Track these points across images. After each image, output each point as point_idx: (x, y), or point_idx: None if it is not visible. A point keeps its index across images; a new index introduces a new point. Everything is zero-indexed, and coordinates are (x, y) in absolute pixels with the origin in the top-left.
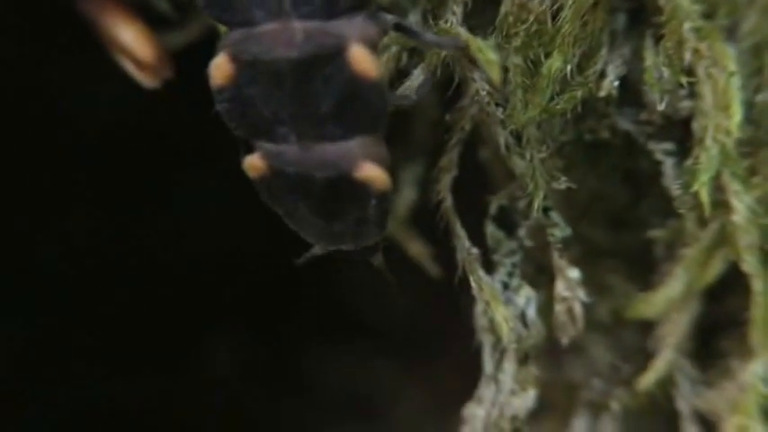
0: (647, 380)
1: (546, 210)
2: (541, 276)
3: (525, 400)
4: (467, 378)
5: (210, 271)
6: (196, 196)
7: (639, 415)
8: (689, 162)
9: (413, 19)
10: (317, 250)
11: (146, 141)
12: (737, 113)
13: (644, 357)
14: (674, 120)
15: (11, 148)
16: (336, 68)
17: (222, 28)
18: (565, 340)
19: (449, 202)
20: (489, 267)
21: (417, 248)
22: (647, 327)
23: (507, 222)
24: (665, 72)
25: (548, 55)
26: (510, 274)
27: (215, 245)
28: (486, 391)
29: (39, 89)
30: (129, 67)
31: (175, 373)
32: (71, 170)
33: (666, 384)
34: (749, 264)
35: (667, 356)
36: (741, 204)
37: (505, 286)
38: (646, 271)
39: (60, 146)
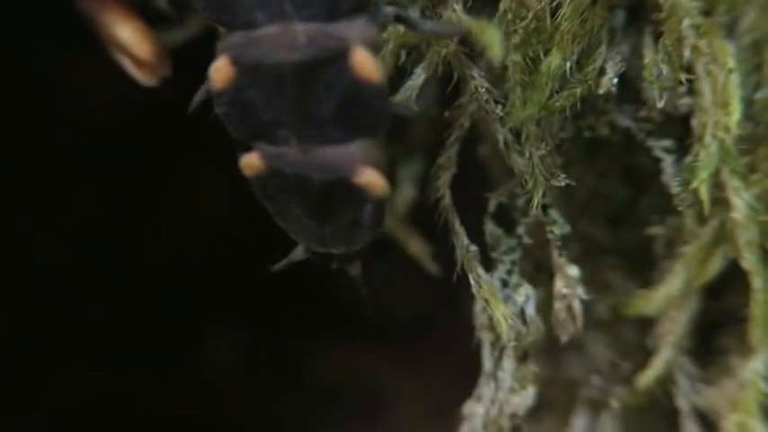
0: (647, 377)
1: (545, 207)
2: (541, 274)
3: (525, 398)
4: (466, 376)
5: (210, 268)
6: (196, 193)
7: (639, 412)
8: (688, 159)
9: (412, 14)
10: (295, 256)
11: (145, 138)
12: (737, 110)
13: (643, 355)
14: (673, 117)
15: (10, 145)
16: (338, 72)
17: (221, 29)
18: (564, 338)
19: (448, 199)
20: (488, 265)
21: (416, 246)
22: (646, 324)
23: (506, 220)
24: (665, 69)
25: (547, 52)
26: (509, 272)
27: (215, 241)
28: (485, 388)
29: (38, 88)
30: (128, 65)
31: (176, 370)
32: (70, 168)
33: (666, 382)
34: (749, 261)
35: (667, 354)
36: (740, 201)
37: (504, 284)
38: (645, 268)
39: (59, 143)
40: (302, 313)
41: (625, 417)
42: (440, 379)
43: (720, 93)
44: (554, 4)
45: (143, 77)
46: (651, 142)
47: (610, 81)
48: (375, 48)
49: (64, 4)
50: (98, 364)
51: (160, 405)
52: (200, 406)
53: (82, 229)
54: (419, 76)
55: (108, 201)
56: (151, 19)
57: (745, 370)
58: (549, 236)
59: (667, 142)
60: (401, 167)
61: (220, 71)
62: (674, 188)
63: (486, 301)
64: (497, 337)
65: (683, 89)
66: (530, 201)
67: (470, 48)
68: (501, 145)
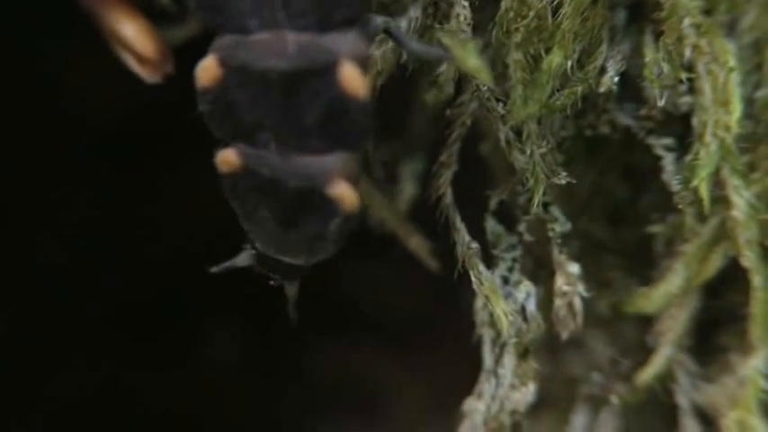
0: (647, 375)
1: (546, 205)
2: (541, 271)
3: (525, 395)
4: (466, 373)
5: (208, 264)
6: (196, 193)
7: (639, 410)
8: (689, 158)
9: (412, 14)
10: (240, 261)
11: (145, 138)
12: (737, 109)
13: (643, 352)
14: (673, 115)
15: (9, 144)
16: (325, 84)
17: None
18: (564, 335)
19: (449, 197)
20: (489, 262)
21: (417, 243)
22: (646, 322)
23: (507, 217)
24: (665, 68)
25: (548, 51)
26: (510, 269)
27: (215, 241)
28: (486, 385)
29: (38, 88)
30: (130, 62)
31: (176, 370)
32: (70, 168)
33: (666, 379)
34: (749, 259)
35: (667, 351)
36: (740, 200)
37: (505, 281)
38: (645, 266)
39: (59, 142)
40: (302, 308)
41: (625, 414)
42: (440, 376)
43: (721, 91)
44: (555, 2)
45: (146, 74)
46: (652, 140)
47: (611, 79)
48: (364, 63)
49: (64, 2)
50: (98, 363)
51: (160, 405)
52: (200, 405)
53: (82, 229)
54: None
55: (108, 201)
56: (154, 16)
57: (745, 367)
58: (550, 233)
59: (668, 141)
60: (402, 165)
61: (207, 70)
62: (675, 186)
63: (487, 297)
64: (498, 334)
65: (683, 88)
66: (531, 198)
67: None
68: (502, 143)
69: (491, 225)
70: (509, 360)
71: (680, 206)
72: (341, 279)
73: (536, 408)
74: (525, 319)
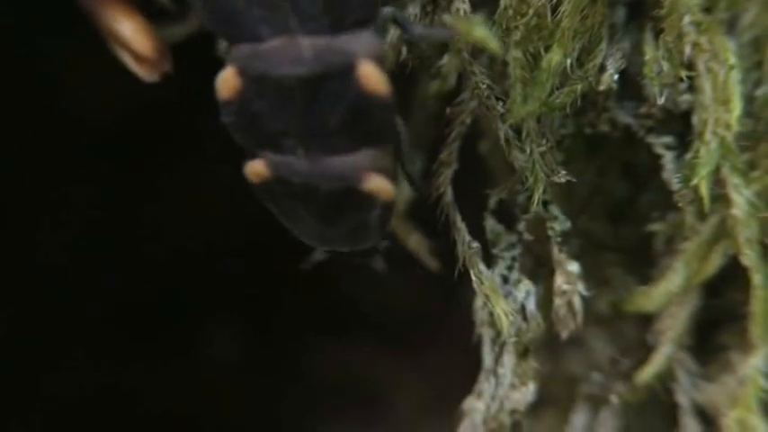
0: (647, 373)
1: (545, 203)
2: (541, 270)
3: (525, 394)
4: (466, 372)
5: (210, 268)
6: (196, 193)
7: (639, 409)
8: (689, 156)
9: (411, 11)
10: (320, 254)
11: (145, 138)
12: (737, 107)
13: (644, 351)
14: (673, 113)
15: (9, 145)
16: (345, 85)
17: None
18: (564, 334)
19: (449, 196)
20: (489, 261)
21: (416, 242)
22: (646, 320)
23: (507, 216)
24: (665, 66)
25: (547, 49)
26: (509, 268)
27: (215, 241)
28: (485, 384)
29: (38, 88)
30: (128, 61)
31: (176, 370)
32: (70, 168)
33: (666, 378)
34: (749, 257)
35: (667, 350)
36: (741, 198)
37: (505, 280)
38: (645, 265)
39: (59, 142)
40: (301, 312)
41: (625, 413)
42: (439, 375)
43: (721, 90)
44: (554, 0)
45: (144, 73)
46: (651, 139)
47: (610, 78)
48: (380, 59)
49: (64, 2)
50: (98, 363)
51: (160, 405)
52: (200, 405)
53: (82, 229)
54: None
55: (108, 200)
56: (152, 14)
57: (745, 366)
58: (550, 232)
59: (668, 139)
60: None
61: (227, 82)
62: (675, 185)
63: (488, 297)
64: (497, 334)
65: (683, 86)
66: (530, 197)
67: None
68: (501, 141)
69: (490, 224)
70: (509, 359)
71: (680, 204)
72: (341, 279)
73: (536, 407)
74: (525, 318)
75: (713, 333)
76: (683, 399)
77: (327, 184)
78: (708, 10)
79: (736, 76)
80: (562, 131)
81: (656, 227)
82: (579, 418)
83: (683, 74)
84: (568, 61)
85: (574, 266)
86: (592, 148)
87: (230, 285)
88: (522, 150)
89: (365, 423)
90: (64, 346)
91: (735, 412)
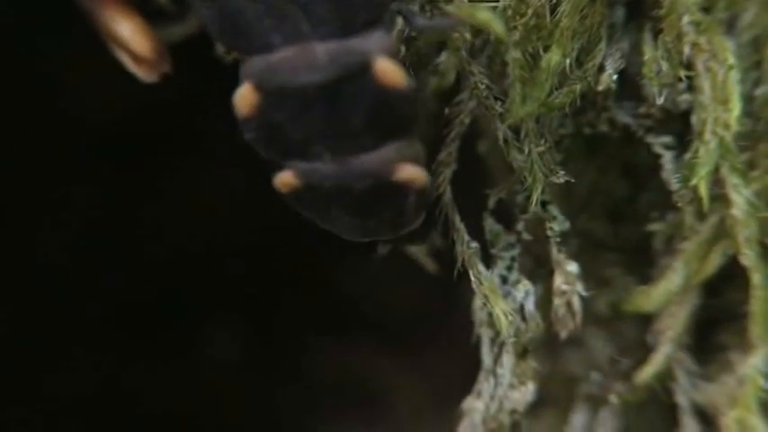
0: (646, 373)
1: (544, 203)
2: (540, 270)
3: (524, 394)
4: (466, 372)
5: (210, 268)
6: (196, 193)
7: (638, 408)
8: (688, 156)
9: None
10: (381, 250)
11: (145, 138)
12: (736, 107)
13: (643, 351)
14: (673, 113)
15: (9, 145)
16: (363, 84)
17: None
18: (563, 334)
19: (448, 196)
20: (488, 261)
21: None
22: (646, 320)
23: (506, 216)
24: (664, 66)
25: (546, 49)
26: (508, 268)
27: (215, 241)
28: (485, 384)
29: (38, 88)
30: (127, 61)
31: (175, 370)
32: (70, 168)
33: (665, 378)
34: (748, 257)
35: (666, 350)
36: (740, 198)
37: (504, 280)
38: (645, 264)
39: (59, 142)
40: (301, 312)
41: (624, 413)
42: (439, 375)
43: (720, 89)
44: (554, 0)
45: (142, 74)
46: (651, 139)
47: (609, 78)
48: (394, 54)
49: (64, 2)
50: (98, 363)
51: (160, 404)
52: (200, 405)
53: (82, 229)
54: None
55: (108, 200)
56: (150, 15)
57: (745, 366)
58: (549, 232)
59: (667, 139)
60: None
61: (245, 99)
62: (674, 185)
63: (487, 297)
64: (497, 334)
65: (682, 86)
66: (529, 197)
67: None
68: (500, 141)
69: (489, 224)
70: (508, 359)
71: (679, 204)
72: (341, 279)
73: (535, 407)
74: (524, 318)
75: (713, 333)
76: (682, 399)
77: (359, 183)
78: (707, 10)
79: (735, 75)
80: (561, 131)
81: (655, 227)
82: (578, 418)
83: (683, 74)
84: (567, 61)
85: (573, 266)
86: (591, 148)
87: (230, 285)
88: (521, 150)
89: (365, 423)
90: (64, 346)
91: (734, 412)
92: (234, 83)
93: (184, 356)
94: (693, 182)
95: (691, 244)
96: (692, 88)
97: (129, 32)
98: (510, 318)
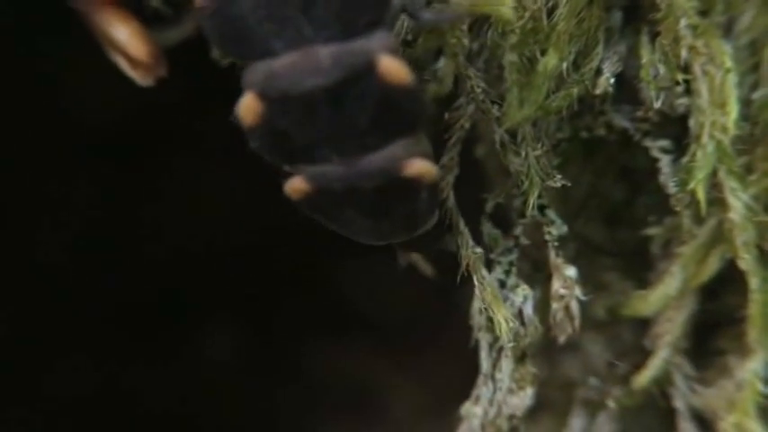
0: (644, 378)
1: (542, 207)
2: (538, 274)
3: (523, 399)
4: (464, 375)
5: (210, 268)
6: (196, 193)
7: (636, 413)
8: (685, 159)
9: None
10: (402, 260)
11: (145, 138)
12: (734, 110)
13: (641, 355)
14: (670, 117)
15: (9, 145)
16: (368, 84)
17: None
18: (561, 338)
19: (452, 200)
20: (486, 265)
21: None
22: (643, 324)
23: (504, 220)
24: (662, 69)
25: (543, 52)
26: (507, 273)
27: (215, 241)
28: (483, 389)
29: (38, 88)
30: (123, 65)
31: (175, 370)
32: (70, 168)
33: (663, 382)
34: (746, 261)
35: (664, 354)
36: (738, 202)
37: (502, 284)
38: (642, 268)
39: (59, 142)
40: (301, 313)
41: (622, 417)
42: (437, 378)
43: (717, 93)
44: (551, 4)
45: (139, 77)
46: (648, 142)
47: (607, 81)
48: (395, 51)
49: (64, 2)
50: (98, 363)
51: (160, 404)
52: (200, 405)
53: (82, 228)
54: None
55: (108, 200)
56: (147, 19)
57: (743, 370)
58: (546, 236)
59: (664, 142)
60: None
61: (249, 108)
62: (672, 188)
63: (489, 303)
64: (495, 338)
65: (680, 89)
66: (526, 201)
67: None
68: (497, 145)
69: (487, 228)
70: (506, 364)
71: (677, 208)
72: (341, 279)
73: (533, 412)
74: (522, 322)
75: (710, 337)
76: (680, 403)
77: (369, 182)
78: (704, 13)
79: (732, 79)
80: (558, 135)
81: (652, 231)
82: (577, 423)
83: (680, 77)
84: (564, 65)
85: (571, 271)
86: (588, 152)
87: (230, 285)
88: (518, 154)
89: (363, 424)
90: (64, 345)
91: (732, 416)
92: (233, 83)
93: (184, 356)
94: (691, 185)
95: (688, 248)
96: (689, 92)
97: (125, 36)
98: (511, 324)
